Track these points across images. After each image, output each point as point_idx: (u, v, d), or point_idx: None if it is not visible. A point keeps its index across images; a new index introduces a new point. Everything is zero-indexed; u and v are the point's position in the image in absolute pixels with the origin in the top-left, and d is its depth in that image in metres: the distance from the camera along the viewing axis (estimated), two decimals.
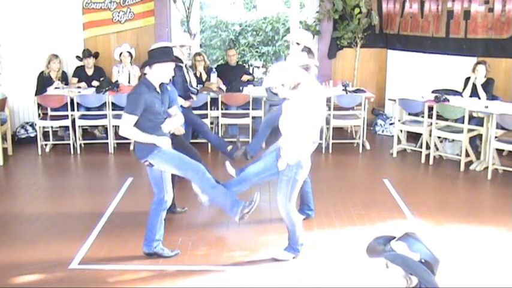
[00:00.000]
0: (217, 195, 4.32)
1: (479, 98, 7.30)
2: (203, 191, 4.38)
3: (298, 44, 5.71)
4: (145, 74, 4.29)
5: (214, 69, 8.59)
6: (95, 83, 8.12)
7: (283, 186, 4.30)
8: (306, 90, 4.22)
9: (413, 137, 7.82)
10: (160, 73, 4.20)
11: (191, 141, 6.75)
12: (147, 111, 4.13)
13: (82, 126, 8.02)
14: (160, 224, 4.47)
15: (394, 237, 2.17)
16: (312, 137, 4.32)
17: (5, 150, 7.44)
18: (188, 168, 4.29)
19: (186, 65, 6.75)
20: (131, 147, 7.96)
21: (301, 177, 4.31)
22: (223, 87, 8.07)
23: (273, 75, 4.28)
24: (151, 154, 4.19)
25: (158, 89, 4.24)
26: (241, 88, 8.02)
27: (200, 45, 10.39)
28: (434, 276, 2.07)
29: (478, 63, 7.44)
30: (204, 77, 8.32)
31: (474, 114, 6.96)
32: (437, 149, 7.37)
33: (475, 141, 7.38)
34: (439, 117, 7.13)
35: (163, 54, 4.24)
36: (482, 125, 6.99)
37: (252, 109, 7.80)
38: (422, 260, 2.06)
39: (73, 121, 7.69)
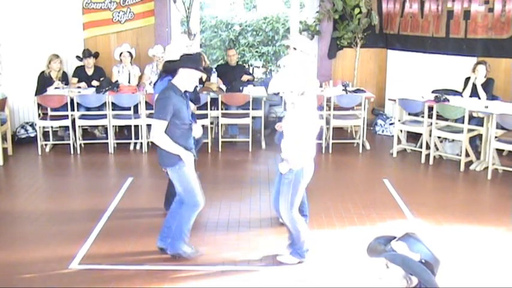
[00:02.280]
0: (178, 232, 4.38)
1: (479, 98, 7.30)
2: (179, 220, 4.41)
3: (295, 49, 5.70)
4: (169, 77, 4.29)
5: (214, 69, 8.58)
6: (95, 83, 8.12)
7: (285, 190, 4.27)
8: (311, 96, 4.29)
9: (413, 137, 7.82)
10: (186, 79, 4.19)
11: None
12: (175, 116, 4.11)
13: (82, 126, 8.02)
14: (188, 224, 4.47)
15: (395, 237, 2.17)
16: (312, 141, 4.35)
17: (5, 150, 7.44)
18: (191, 198, 4.32)
19: None
20: (131, 147, 7.96)
21: (304, 180, 4.28)
22: (223, 87, 8.07)
23: (282, 81, 4.32)
24: (173, 167, 4.23)
25: (183, 94, 4.24)
26: (241, 88, 8.02)
27: (200, 45, 10.39)
28: (434, 277, 2.07)
29: (478, 63, 7.44)
30: (204, 77, 8.32)
31: (474, 114, 6.96)
32: (437, 149, 7.37)
33: (475, 141, 7.38)
34: (439, 117, 7.13)
35: (191, 62, 4.22)
36: (482, 125, 6.99)
37: (252, 109, 7.79)
38: (423, 261, 2.06)
39: (73, 121, 7.68)
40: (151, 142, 7.86)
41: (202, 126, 4.64)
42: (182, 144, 4.20)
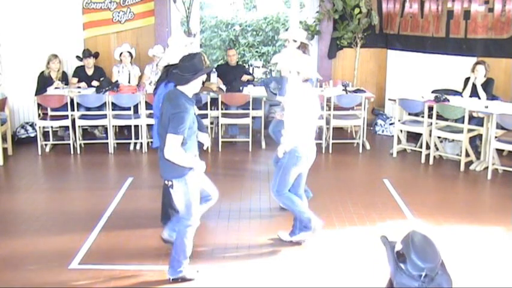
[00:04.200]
0: (178, 247, 4.12)
1: (479, 98, 7.29)
2: (176, 236, 4.16)
3: (295, 41, 5.76)
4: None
5: (214, 69, 8.58)
6: (95, 83, 8.11)
7: (276, 171, 4.53)
8: (309, 87, 4.39)
9: (413, 137, 7.82)
10: (196, 85, 4.00)
11: None
12: (188, 129, 3.88)
13: (82, 126, 8.02)
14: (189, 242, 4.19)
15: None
16: (310, 125, 4.46)
17: (5, 150, 7.44)
18: (189, 214, 4.04)
19: None
20: (131, 147, 7.96)
21: (296, 167, 4.43)
22: (223, 87, 8.07)
23: (293, 59, 4.37)
24: (180, 178, 3.93)
25: (191, 101, 4.01)
26: (241, 88, 8.02)
27: (200, 45, 10.39)
28: (403, 270, 2.15)
29: (477, 63, 7.43)
30: (204, 77, 8.31)
31: (474, 114, 6.95)
32: (437, 149, 7.37)
33: (475, 141, 7.38)
34: (439, 117, 7.13)
35: (197, 68, 3.94)
36: (482, 125, 6.99)
37: (252, 109, 7.79)
38: (401, 252, 2.16)
39: (73, 121, 7.68)
40: (152, 142, 7.92)
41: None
42: (191, 152, 3.97)
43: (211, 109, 7.84)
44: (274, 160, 5.16)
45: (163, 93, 4.43)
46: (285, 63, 4.44)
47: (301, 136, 4.38)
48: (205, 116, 7.63)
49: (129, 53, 8.39)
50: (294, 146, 4.36)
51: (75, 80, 8.40)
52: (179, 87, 3.97)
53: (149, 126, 7.95)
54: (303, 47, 5.79)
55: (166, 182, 4.04)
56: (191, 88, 3.97)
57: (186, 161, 3.89)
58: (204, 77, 4.13)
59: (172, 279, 4.16)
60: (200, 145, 4.25)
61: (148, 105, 7.64)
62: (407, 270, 2.12)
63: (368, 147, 8.01)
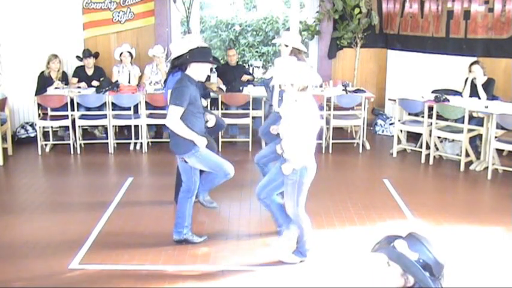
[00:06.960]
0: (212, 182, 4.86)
1: (479, 98, 7.29)
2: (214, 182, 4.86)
3: (286, 46, 5.70)
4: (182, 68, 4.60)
5: (214, 69, 8.58)
6: (95, 83, 8.11)
7: (290, 190, 4.29)
8: (311, 94, 4.25)
9: (413, 137, 7.82)
10: (197, 71, 4.47)
11: None
12: (191, 104, 4.35)
13: (82, 126, 8.02)
14: (189, 210, 4.69)
15: (401, 236, 2.17)
16: (314, 138, 4.31)
17: (5, 150, 7.44)
18: (220, 171, 4.63)
19: None
20: (131, 147, 7.96)
21: (307, 180, 4.29)
22: (223, 87, 8.07)
23: (283, 72, 4.25)
24: (189, 153, 4.45)
25: (197, 84, 4.50)
26: (241, 88, 8.02)
27: None
28: (434, 278, 2.06)
29: (472, 63, 7.40)
30: (208, 70, 8.30)
31: (474, 114, 6.95)
32: (437, 149, 7.37)
33: (475, 141, 7.38)
34: (439, 117, 7.13)
35: (200, 55, 4.49)
36: (482, 125, 6.98)
37: (252, 109, 7.80)
38: (420, 260, 2.05)
39: (73, 121, 7.68)
40: (152, 142, 7.94)
41: (206, 122, 4.75)
42: (198, 130, 4.41)
43: (211, 109, 7.83)
44: (263, 131, 5.36)
45: (171, 80, 4.98)
46: (277, 78, 4.37)
47: (309, 150, 4.24)
48: None
49: (129, 53, 8.38)
50: (305, 163, 4.21)
51: (75, 80, 8.40)
52: (186, 72, 4.46)
53: (149, 127, 7.98)
54: (296, 53, 5.64)
55: (180, 159, 4.54)
56: (195, 72, 4.44)
57: (186, 133, 4.36)
58: (208, 67, 4.62)
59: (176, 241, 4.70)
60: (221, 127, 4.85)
61: (148, 105, 7.64)
62: (432, 273, 2.06)
63: (368, 147, 8.01)
